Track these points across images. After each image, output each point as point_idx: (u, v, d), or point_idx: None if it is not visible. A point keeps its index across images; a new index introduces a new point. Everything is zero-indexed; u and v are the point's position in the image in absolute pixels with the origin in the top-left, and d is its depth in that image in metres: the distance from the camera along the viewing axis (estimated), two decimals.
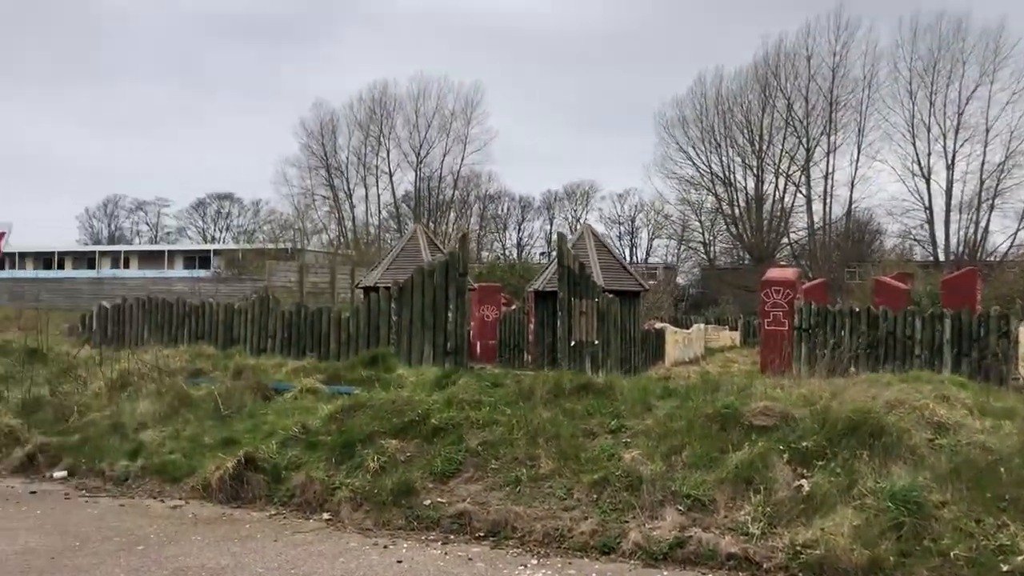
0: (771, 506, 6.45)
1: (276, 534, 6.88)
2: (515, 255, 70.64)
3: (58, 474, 8.94)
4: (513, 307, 24.88)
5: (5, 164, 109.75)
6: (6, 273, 61.78)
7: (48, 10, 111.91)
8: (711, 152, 61.06)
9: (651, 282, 40.88)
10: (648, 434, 7.62)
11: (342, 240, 65.00)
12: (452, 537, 6.77)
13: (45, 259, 72.86)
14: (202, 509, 7.67)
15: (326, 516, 7.35)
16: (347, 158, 68.38)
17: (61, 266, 72.12)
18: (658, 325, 23.58)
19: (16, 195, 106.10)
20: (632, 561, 6.18)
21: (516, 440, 7.73)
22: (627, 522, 6.59)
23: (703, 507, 6.61)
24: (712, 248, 65.65)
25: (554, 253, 17.63)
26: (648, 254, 73.56)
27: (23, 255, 70.28)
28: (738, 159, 61.12)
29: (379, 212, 69.27)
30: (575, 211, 77.20)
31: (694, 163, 61.48)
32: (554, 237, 72.69)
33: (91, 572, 5.90)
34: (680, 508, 6.62)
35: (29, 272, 68.51)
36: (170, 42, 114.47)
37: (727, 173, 61.08)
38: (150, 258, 71.91)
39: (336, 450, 8.13)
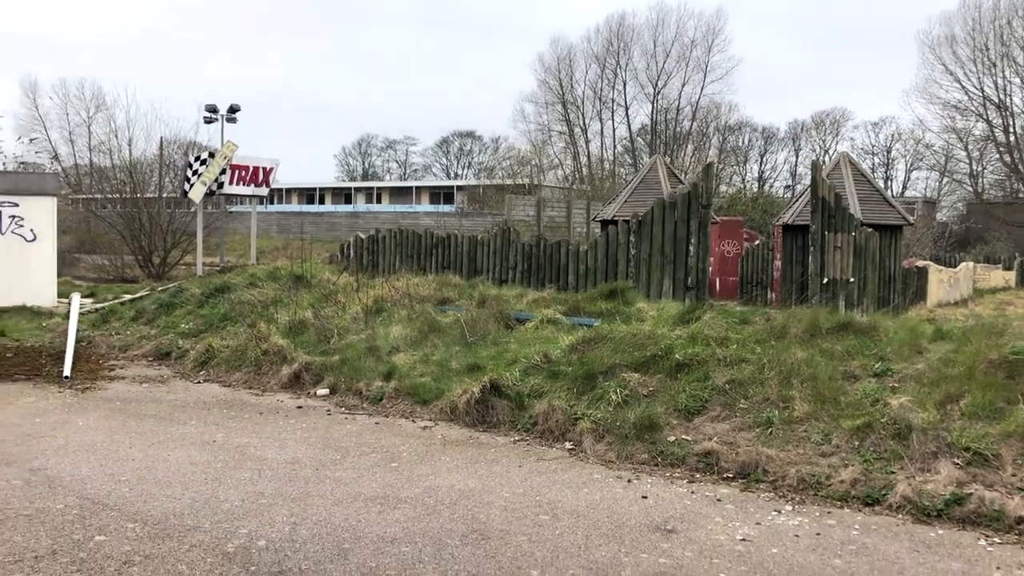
0: None
1: (520, 460, 6.94)
2: (756, 189, 67.62)
3: (321, 391, 9.59)
4: (756, 242, 23.78)
5: (274, 106, 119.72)
6: (275, 207, 67.70)
7: None
8: (983, 74, 54.86)
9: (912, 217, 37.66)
10: (919, 379, 6.93)
11: (577, 175, 65.18)
12: (698, 476, 6.52)
13: (308, 194, 79.13)
14: (450, 431, 7.91)
15: (568, 445, 7.34)
16: (583, 92, 68.04)
17: (322, 201, 77.97)
18: (919, 263, 21.66)
19: (282, 134, 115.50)
20: (900, 515, 5.64)
21: (767, 380, 7.30)
22: (894, 473, 6.03)
23: (985, 462, 5.91)
24: (980, 180, 59.55)
25: (800, 186, 16.47)
26: (905, 188, 67.91)
27: (289, 191, 76.94)
28: (1017, 80, 54.51)
29: (614, 146, 68.68)
30: (823, 141, 72.59)
31: (963, 86, 55.54)
32: (801, 168, 69.42)
33: (350, 485, 6.21)
34: (957, 462, 5.96)
35: (294, 206, 74.75)
36: None
37: (1003, 96, 54.73)
38: (399, 194, 76.05)
39: (577, 381, 8.09)
